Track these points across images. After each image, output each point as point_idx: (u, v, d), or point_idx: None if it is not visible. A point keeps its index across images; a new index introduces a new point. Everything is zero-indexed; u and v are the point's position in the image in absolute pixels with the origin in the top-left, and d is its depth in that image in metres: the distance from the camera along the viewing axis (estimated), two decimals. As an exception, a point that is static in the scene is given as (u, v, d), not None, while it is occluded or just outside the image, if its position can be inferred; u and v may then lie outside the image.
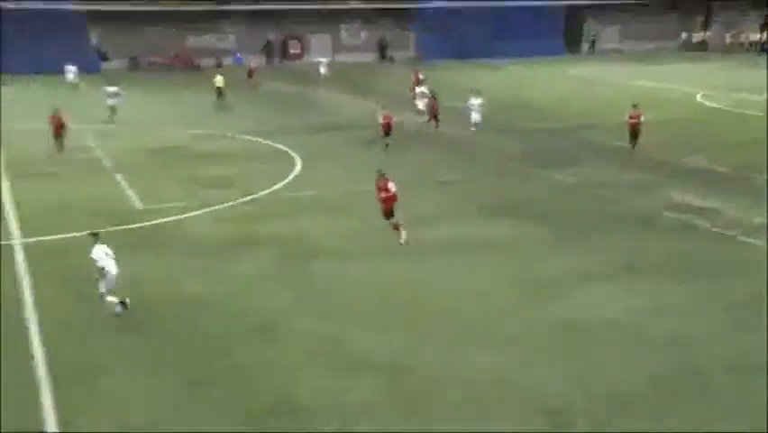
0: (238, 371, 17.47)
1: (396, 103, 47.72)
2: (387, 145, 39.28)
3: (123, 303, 20.20)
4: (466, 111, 44.66)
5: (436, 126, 44.29)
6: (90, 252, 20.08)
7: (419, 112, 47.91)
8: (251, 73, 66.71)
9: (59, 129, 39.33)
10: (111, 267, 20.20)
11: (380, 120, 39.74)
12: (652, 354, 17.63)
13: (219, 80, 57.76)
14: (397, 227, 24.75)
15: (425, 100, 47.49)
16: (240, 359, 18.01)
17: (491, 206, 29.51)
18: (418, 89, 50.46)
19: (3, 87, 61.12)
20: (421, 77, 55.09)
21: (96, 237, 20.59)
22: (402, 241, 24.59)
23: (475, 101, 44.32)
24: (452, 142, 42.43)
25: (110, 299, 20.15)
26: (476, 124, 43.97)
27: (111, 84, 48.42)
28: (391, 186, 24.35)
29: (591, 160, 37.70)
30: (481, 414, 15.52)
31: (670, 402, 15.55)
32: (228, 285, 22.25)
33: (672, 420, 14.84)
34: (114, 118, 47.98)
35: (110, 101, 48.85)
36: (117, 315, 19.97)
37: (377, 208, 25.04)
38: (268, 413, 15.72)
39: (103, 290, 20.15)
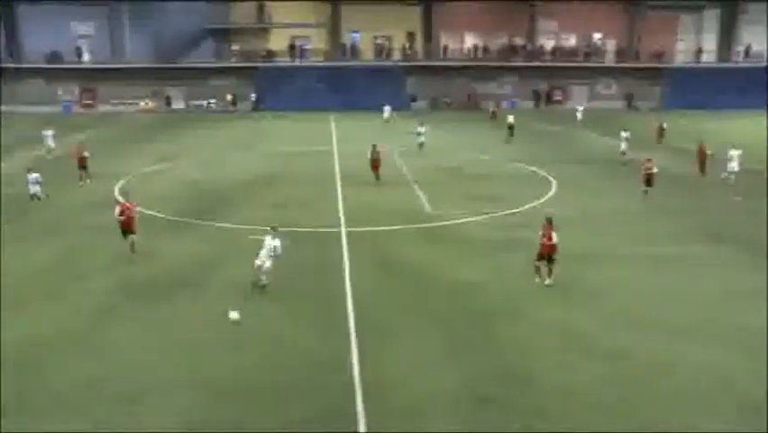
0: (490, 341, 17.88)
1: (642, 144, 46.36)
2: (645, 192, 33.43)
3: (258, 285, 21.02)
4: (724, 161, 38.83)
5: (702, 173, 38.98)
6: (266, 240, 21.19)
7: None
8: (494, 114, 68.21)
9: (376, 162, 38.02)
10: (266, 257, 20.94)
11: (647, 168, 33.43)
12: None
13: (511, 119, 56.47)
14: (549, 270, 21.60)
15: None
16: (494, 332, 18.42)
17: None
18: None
19: (334, 122, 65.36)
20: (665, 126, 52.58)
21: (274, 230, 21.56)
22: (547, 283, 21.55)
23: (734, 152, 37.26)
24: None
25: (263, 278, 21.06)
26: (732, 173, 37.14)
27: (420, 124, 48.70)
28: (554, 236, 21.39)
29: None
30: (686, 399, 15.19)
31: None
32: (492, 274, 22.83)
33: None
34: (422, 150, 48.50)
35: (419, 139, 48.83)
36: (260, 286, 20.94)
37: (618, 224, 24.71)
38: (503, 378, 16.00)
39: (258, 262, 20.99)
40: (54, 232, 27.63)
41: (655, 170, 32.78)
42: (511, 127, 55.57)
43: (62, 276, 22.51)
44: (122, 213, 24.16)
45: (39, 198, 31.58)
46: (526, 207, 32.22)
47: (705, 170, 38.76)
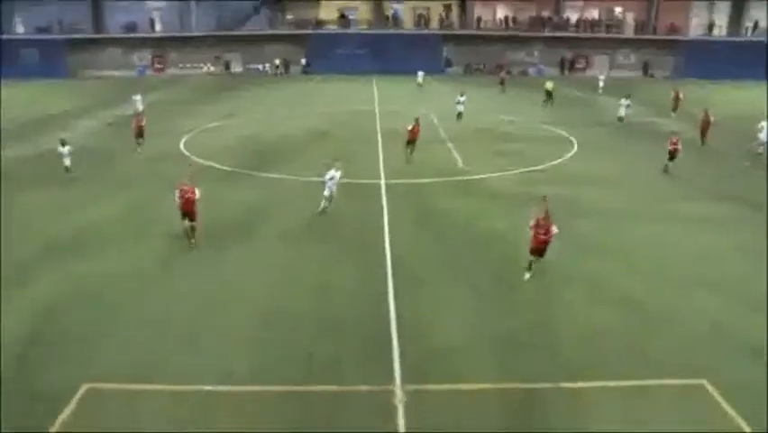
0: (514, 289, 17.54)
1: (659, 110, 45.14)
2: (666, 167, 30.06)
3: (325, 210, 22.94)
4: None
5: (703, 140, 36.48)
6: (330, 172, 22.91)
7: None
8: (503, 81, 62.96)
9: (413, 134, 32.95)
10: (331, 186, 22.85)
11: (672, 143, 30.02)
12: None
13: (549, 85, 53.91)
14: (530, 266, 17.93)
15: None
16: (518, 280, 18.00)
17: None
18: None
19: (376, 85, 64.57)
20: (681, 95, 49.81)
21: (335, 163, 23.57)
22: (527, 277, 17.86)
23: (764, 123, 34.03)
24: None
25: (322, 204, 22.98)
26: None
27: (461, 94, 45.23)
28: (554, 229, 17.46)
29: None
30: (690, 344, 14.82)
31: None
32: (516, 223, 22.35)
33: None
34: (461, 118, 44.67)
35: (458, 108, 44.54)
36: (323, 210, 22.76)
37: (638, 182, 24.12)
38: (529, 319, 15.74)
39: (326, 193, 22.95)
40: (124, 183, 27.64)
41: (680, 146, 31.34)
42: (549, 93, 53.23)
43: (129, 224, 22.47)
44: (182, 196, 19.64)
45: (69, 171, 27.60)
46: (548, 164, 31.58)
47: (706, 137, 36.53)
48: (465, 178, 28.69)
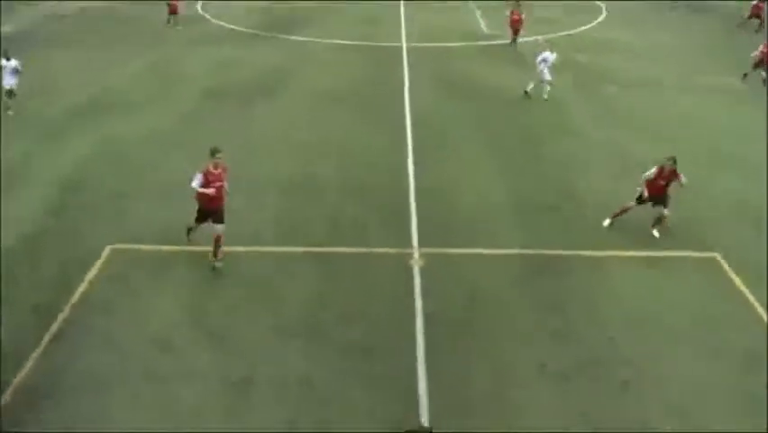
0: (538, 153, 17.24)
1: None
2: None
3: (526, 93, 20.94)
4: None
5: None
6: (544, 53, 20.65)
7: None
8: None
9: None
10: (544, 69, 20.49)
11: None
12: None
13: None
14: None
15: None
16: (543, 151, 17.56)
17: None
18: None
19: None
20: None
21: (548, 44, 21.17)
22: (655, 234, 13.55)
23: None
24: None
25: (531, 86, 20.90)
26: None
27: None
28: (682, 178, 13.02)
29: None
30: (707, 219, 14.67)
31: None
32: (539, 93, 21.86)
33: None
34: None
35: None
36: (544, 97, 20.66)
37: (669, 56, 23.40)
38: (550, 186, 15.49)
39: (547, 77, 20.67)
40: (150, 44, 26.98)
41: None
42: None
43: (154, 83, 22.09)
44: (208, 182, 11.63)
45: (13, 95, 18.93)
46: (579, 29, 30.38)
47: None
48: (490, 43, 27.76)
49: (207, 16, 31.52)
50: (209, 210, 11.89)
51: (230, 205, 12.23)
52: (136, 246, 12.56)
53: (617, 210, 13.59)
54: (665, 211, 13.27)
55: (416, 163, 16.32)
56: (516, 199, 14.85)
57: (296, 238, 12.99)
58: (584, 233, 13.51)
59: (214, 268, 11.88)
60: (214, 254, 11.97)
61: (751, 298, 11.54)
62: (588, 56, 25.56)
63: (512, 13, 27.08)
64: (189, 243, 12.34)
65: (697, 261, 12.68)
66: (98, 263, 11.99)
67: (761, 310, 11.21)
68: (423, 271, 11.86)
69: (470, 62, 24.84)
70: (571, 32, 29.94)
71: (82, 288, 11.31)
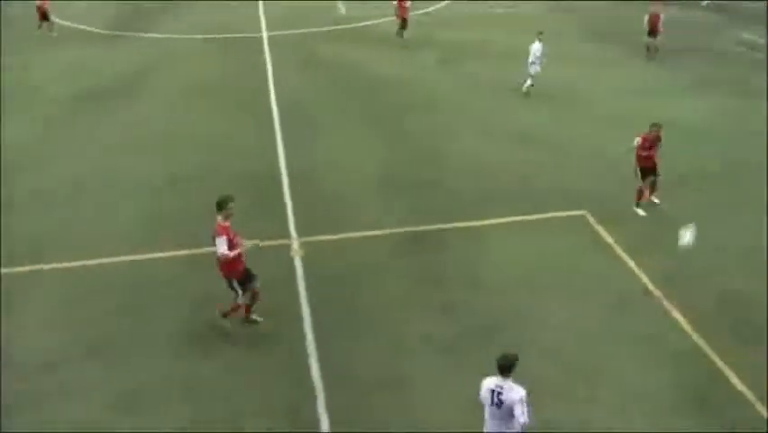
0: (405, 129, 17.60)
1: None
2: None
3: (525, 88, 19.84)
4: None
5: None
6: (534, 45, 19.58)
7: None
8: None
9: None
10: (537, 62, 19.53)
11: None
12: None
13: None
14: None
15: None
16: (409, 120, 18.09)
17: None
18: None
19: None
20: None
21: (540, 35, 19.54)
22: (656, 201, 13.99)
23: None
24: None
25: (528, 83, 19.82)
26: None
27: None
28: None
29: None
30: (576, 178, 15.41)
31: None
32: (407, 70, 22.14)
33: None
34: None
35: None
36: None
37: (530, 25, 24.37)
38: (422, 160, 15.82)
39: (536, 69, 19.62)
40: (9, 48, 25.28)
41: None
42: None
43: (16, 87, 20.89)
44: (233, 245, 9.70)
45: None
46: (437, 6, 30.88)
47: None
48: (350, 26, 27.86)
49: (55, 18, 29.83)
50: (240, 271, 9.94)
51: (99, 210, 11.73)
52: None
53: (637, 196, 13.60)
54: (660, 177, 13.63)
55: (286, 150, 16.35)
56: (390, 176, 15.19)
57: (170, 240, 12.67)
58: (459, 204, 13.99)
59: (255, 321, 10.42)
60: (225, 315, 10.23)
61: (618, 249, 12.31)
62: (449, 33, 26.11)
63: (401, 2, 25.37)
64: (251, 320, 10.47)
65: (567, 219, 13.42)
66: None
67: (625, 257, 12.05)
68: (304, 259, 11.85)
69: (332, 46, 24.94)
70: (429, 9, 30.38)
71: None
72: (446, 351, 9.77)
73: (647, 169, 13.53)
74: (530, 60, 19.58)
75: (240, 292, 9.96)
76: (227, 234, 9.52)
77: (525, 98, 19.60)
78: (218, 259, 9.64)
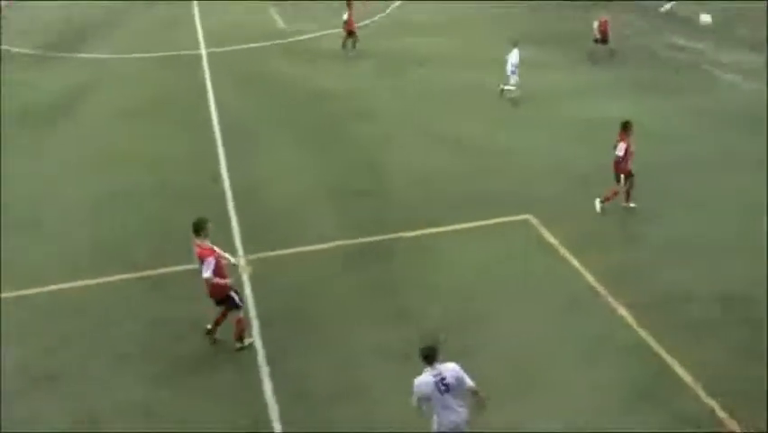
0: (347, 141, 17.75)
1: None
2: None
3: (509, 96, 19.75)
4: None
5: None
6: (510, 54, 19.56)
7: None
8: None
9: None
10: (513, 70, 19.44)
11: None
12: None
13: None
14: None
15: None
16: (350, 131, 18.28)
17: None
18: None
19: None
20: None
21: (515, 42, 19.52)
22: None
23: None
24: None
25: (508, 87, 19.74)
26: None
27: None
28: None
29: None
30: (517, 181, 15.68)
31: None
32: (345, 82, 22.26)
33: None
34: None
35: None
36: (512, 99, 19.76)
37: (466, 30, 24.35)
38: (366, 171, 16.00)
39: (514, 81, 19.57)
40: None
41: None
42: None
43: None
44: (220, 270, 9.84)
45: None
46: (377, 17, 30.98)
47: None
48: (289, 40, 27.80)
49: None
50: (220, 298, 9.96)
51: (43, 234, 11.45)
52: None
53: (610, 195, 13.74)
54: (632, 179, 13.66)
55: (229, 166, 16.31)
56: (332, 189, 15.29)
57: (117, 262, 12.51)
58: (405, 213, 14.13)
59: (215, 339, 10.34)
60: (240, 338, 10.20)
61: (562, 249, 12.59)
62: (389, 41, 26.27)
63: (349, 15, 25.24)
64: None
65: (512, 224, 13.66)
66: None
67: (570, 257, 12.37)
68: (252, 277, 11.76)
69: (271, 61, 24.90)
70: (367, 20, 30.39)
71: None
72: (401, 358, 9.81)
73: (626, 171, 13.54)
74: (510, 71, 19.61)
75: (238, 303, 9.98)
76: (214, 256, 9.54)
77: (514, 106, 19.76)
78: (207, 282, 9.55)
